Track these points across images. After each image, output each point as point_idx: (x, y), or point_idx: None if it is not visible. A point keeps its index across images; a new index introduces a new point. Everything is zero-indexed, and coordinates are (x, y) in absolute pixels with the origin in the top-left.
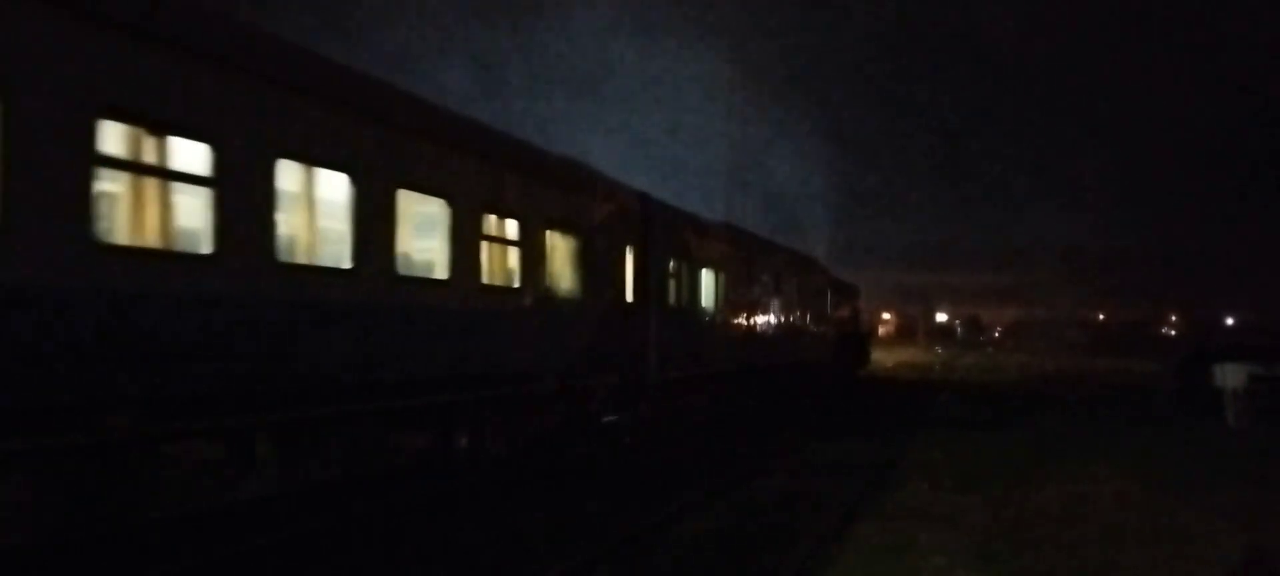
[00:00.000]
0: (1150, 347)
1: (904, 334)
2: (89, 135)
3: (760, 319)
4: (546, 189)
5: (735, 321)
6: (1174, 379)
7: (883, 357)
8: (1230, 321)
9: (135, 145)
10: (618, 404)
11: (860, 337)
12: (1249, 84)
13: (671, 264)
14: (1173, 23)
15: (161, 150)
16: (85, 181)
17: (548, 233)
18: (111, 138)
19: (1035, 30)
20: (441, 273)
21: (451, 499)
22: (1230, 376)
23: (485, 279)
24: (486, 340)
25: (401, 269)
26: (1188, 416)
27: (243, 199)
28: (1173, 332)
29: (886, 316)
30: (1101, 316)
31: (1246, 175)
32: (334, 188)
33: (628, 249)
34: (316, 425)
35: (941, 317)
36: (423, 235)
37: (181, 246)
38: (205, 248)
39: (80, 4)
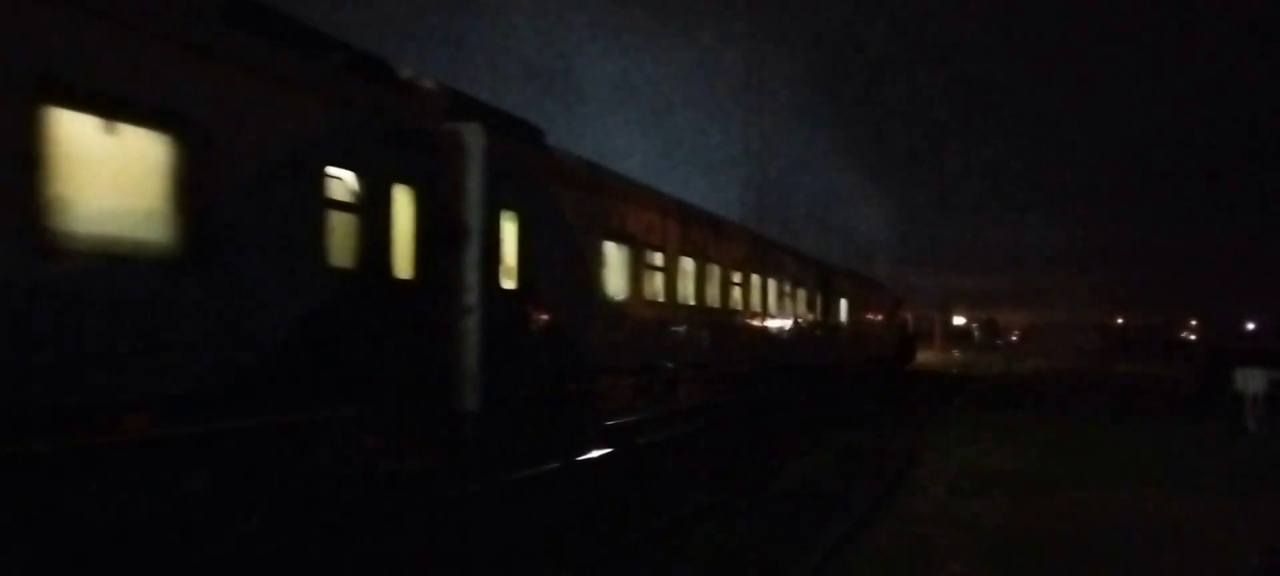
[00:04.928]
0: (1169, 352)
1: (921, 336)
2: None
3: (862, 329)
4: (802, 267)
5: (852, 332)
6: (1194, 383)
7: None
8: (1251, 326)
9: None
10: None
11: (909, 339)
12: (1264, 84)
13: (831, 300)
14: (1198, 26)
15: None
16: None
17: (799, 288)
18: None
19: (1058, 32)
20: (772, 309)
21: (752, 413)
22: (1251, 381)
23: (800, 318)
24: (795, 344)
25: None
26: (1207, 421)
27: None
28: (1192, 337)
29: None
30: (1120, 320)
31: (1267, 178)
32: (783, 298)
33: (818, 294)
34: (744, 377)
35: (959, 321)
36: (780, 304)
37: (712, 305)
38: (716, 303)
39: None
